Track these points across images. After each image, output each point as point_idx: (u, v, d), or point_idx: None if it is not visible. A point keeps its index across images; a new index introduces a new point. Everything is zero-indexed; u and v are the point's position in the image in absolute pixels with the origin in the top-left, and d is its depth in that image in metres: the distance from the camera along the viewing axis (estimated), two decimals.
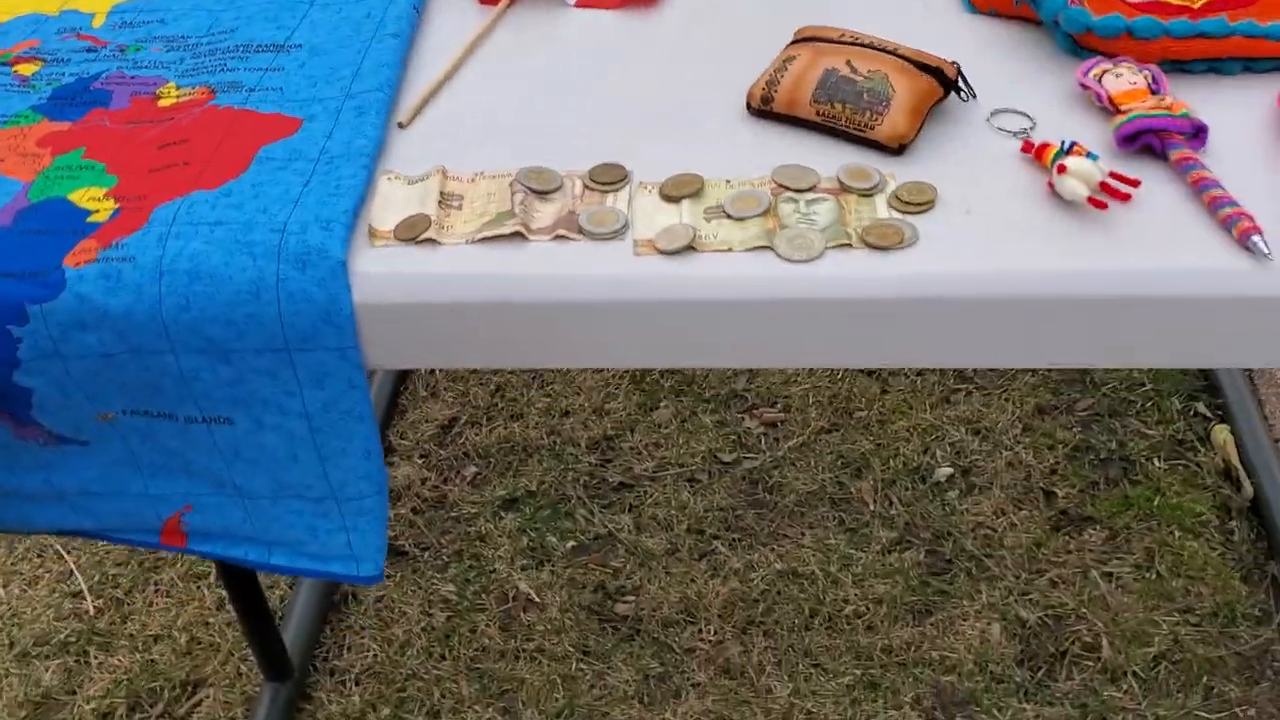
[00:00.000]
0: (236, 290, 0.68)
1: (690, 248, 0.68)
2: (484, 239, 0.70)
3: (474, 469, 1.72)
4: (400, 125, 0.80)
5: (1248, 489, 1.56)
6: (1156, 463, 1.63)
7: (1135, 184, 0.68)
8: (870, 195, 0.71)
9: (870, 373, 1.80)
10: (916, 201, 0.70)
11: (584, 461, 1.71)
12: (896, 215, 0.69)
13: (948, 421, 1.72)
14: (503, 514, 1.65)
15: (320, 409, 0.70)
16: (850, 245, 0.68)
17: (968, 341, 0.67)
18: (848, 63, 0.76)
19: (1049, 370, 1.78)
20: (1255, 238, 0.64)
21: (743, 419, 1.75)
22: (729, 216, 0.70)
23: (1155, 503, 1.57)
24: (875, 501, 1.63)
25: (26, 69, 0.88)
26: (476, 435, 1.76)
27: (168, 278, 0.68)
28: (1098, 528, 1.56)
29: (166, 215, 0.70)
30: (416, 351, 0.70)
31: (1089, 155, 0.68)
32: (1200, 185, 0.67)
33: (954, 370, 1.79)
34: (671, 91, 0.82)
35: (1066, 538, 1.56)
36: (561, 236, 0.70)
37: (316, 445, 0.71)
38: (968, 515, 1.60)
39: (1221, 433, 1.63)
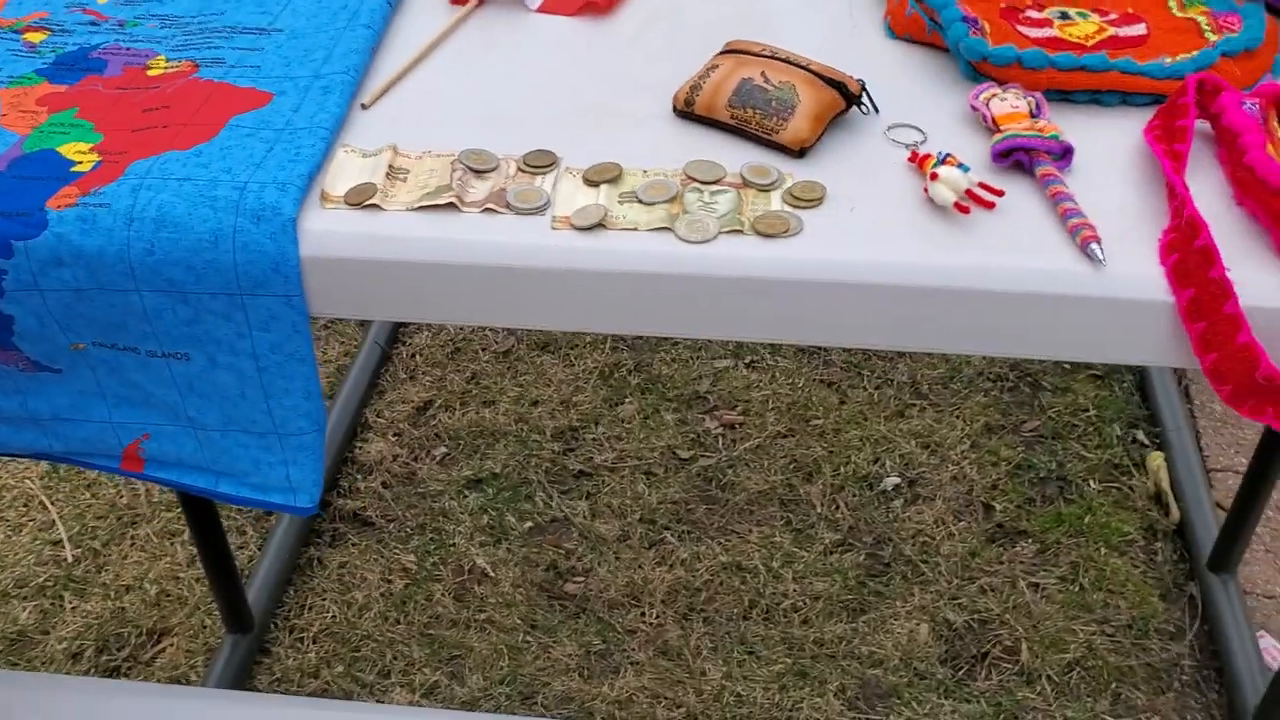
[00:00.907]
0: (198, 238, 0.76)
1: (600, 225, 0.77)
2: (422, 208, 0.79)
3: (444, 449, 1.80)
4: (363, 106, 0.88)
5: (1175, 513, 1.64)
6: (1092, 484, 1.70)
7: (1000, 194, 0.76)
8: (767, 190, 0.79)
9: (829, 383, 1.88)
10: (807, 198, 0.78)
11: (548, 449, 1.79)
12: (788, 209, 0.78)
13: (900, 434, 1.80)
14: (466, 493, 1.73)
15: (267, 350, 0.79)
16: (742, 232, 0.76)
17: (839, 322, 0.75)
18: (762, 73, 0.85)
19: (999, 390, 1.86)
20: (1094, 245, 0.72)
21: (703, 419, 1.83)
22: (639, 201, 0.79)
23: (1086, 520, 1.65)
24: (822, 504, 1.70)
25: (34, 37, 0.97)
26: (449, 418, 1.85)
27: (137, 224, 0.77)
28: (1030, 541, 1.63)
29: (141, 169, 0.79)
30: (355, 303, 0.79)
31: (961, 166, 0.76)
32: (1056, 198, 0.76)
33: (909, 385, 1.87)
34: (611, 91, 0.90)
35: (1000, 549, 1.63)
36: (490, 210, 0.79)
37: (263, 383, 0.80)
38: (909, 523, 1.67)
39: (1156, 459, 1.70)
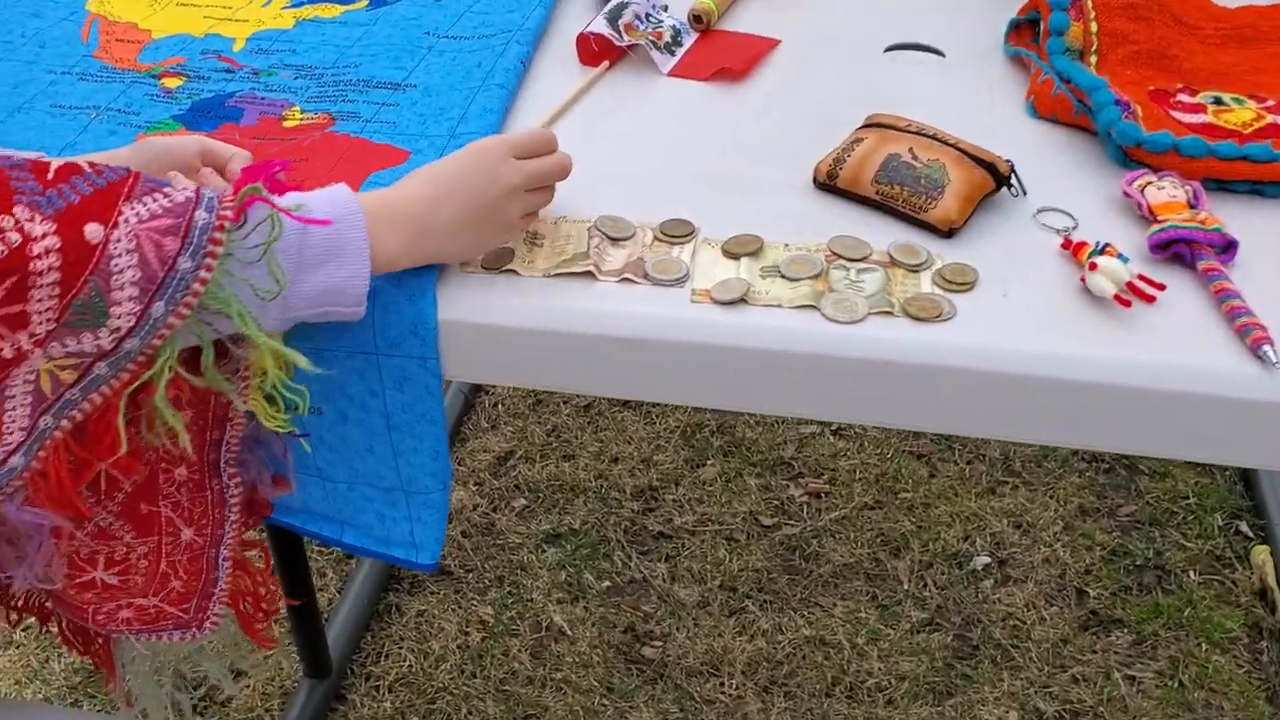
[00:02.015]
0: None
1: (743, 300, 0.75)
2: (559, 274, 0.77)
3: (523, 501, 1.79)
4: None
5: None
6: (1192, 575, 1.64)
7: (1161, 287, 0.73)
8: (917, 271, 0.77)
9: (918, 455, 1.84)
10: (958, 281, 0.76)
11: (627, 507, 1.77)
12: (939, 291, 0.75)
13: (991, 512, 1.75)
14: (545, 547, 1.71)
15: (399, 409, 0.78)
16: (892, 313, 0.74)
17: (989, 413, 0.72)
18: (910, 150, 0.83)
19: (1094, 472, 1.80)
20: (1266, 347, 0.68)
21: (787, 486, 1.80)
22: (783, 276, 0.77)
23: (1186, 614, 1.59)
24: (910, 581, 1.66)
25: (171, 82, 0.98)
26: (529, 470, 1.84)
27: None
28: (1125, 631, 1.58)
29: None
30: (487, 367, 0.78)
31: (1120, 257, 0.74)
32: (1221, 295, 0.73)
33: (1001, 462, 1.82)
34: (746, 158, 0.89)
35: (1094, 637, 1.57)
36: (628, 280, 0.77)
37: (392, 441, 0.79)
38: (999, 605, 1.62)
39: (1261, 554, 1.64)
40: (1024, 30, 1.02)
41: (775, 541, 1.71)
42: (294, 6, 1.09)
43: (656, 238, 0.81)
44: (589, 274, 0.77)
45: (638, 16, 1.02)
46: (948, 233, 0.80)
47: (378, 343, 0.76)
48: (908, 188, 0.81)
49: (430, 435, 0.78)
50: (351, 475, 0.82)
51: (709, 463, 1.84)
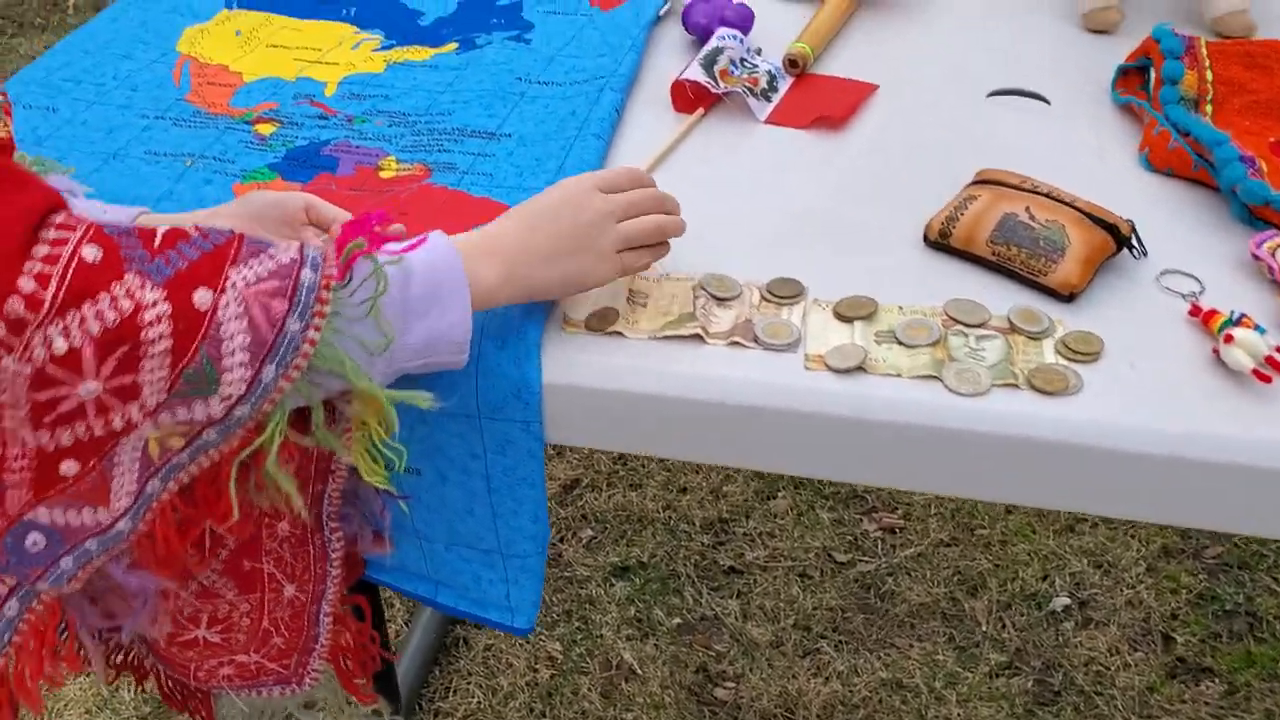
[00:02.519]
0: None
1: (860, 368, 0.72)
2: (666, 337, 0.75)
3: (590, 532, 1.77)
4: None
5: None
6: None
7: None
8: (1038, 339, 0.74)
9: None
10: (1083, 350, 0.73)
11: (697, 540, 1.74)
12: (1063, 361, 0.73)
13: (1070, 551, 1.71)
14: (613, 580, 1.69)
15: (500, 472, 0.76)
16: (1016, 385, 0.71)
17: (1120, 492, 0.69)
18: (1026, 209, 0.80)
19: None
20: None
21: (861, 520, 1.77)
22: (899, 342, 0.74)
23: None
24: (988, 622, 1.62)
25: (265, 129, 0.97)
26: (596, 499, 1.82)
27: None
28: (1216, 680, 1.53)
29: None
30: (591, 432, 0.76)
31: (1257, 328, 0.71)
32: None
33: None
34: (851, 213, 0.87)
35: (1182, 686, 1.53)
36: (737, 343, 0.75)
37: (492, 504, 0.77)
38: (1081, 649, 1.58)
39: None
40: (1132, 77, 0.99)
41: (849, 579, 1.68)
42: (384, 49, 1.08)
43: (764, 297, 0.79)
44: (697, 336, 0.75)
45: (733, 62, 1.00)
46: (1068, 297, 0.77)
47: (480, 406, 0.74)
48: (1025, 249, 0.78)
49: (530, 499, 0.77)
50: (449, 536, 0.80)
51: (780, 495, 1.81)
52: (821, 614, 1.63)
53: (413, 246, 0.68)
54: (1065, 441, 0.68)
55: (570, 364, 0.74)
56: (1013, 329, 0.75)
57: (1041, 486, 0.71)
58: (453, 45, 1.08)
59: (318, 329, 0.64)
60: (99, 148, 0.95)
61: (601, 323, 0.76)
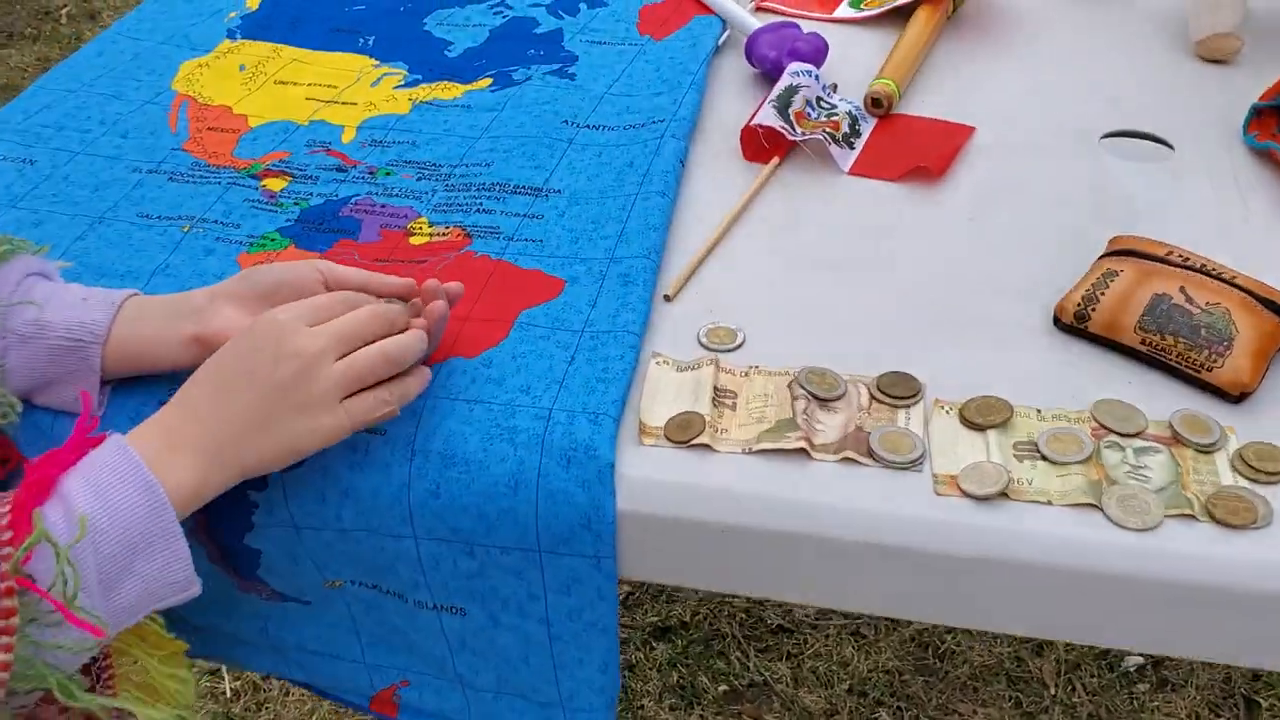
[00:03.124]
0: (493, 481, 0.62)
1: (1003, 494, 0.60)
2: (763, 450, 0.63)
3: (627, 588, 1.65)
4: (666, 298, 0.74)
5: None
6: None
7: None
8: (1209, 452, 0.62)
9: None
10: (1268, 470, 0.60)
11: (741, 597, 1.62)
12: (1243, 482, 0.60)
13: None
14: (654, 643, 1.57)
15: (563, 616, 0.64)
16: (1193, 516, 0.59)
17: None
18: (1181, 289, 0.68)
19: None
20: None
21: None
22: (1044, 458, 0.62)
23: None
24: (1057, 685, 1.50)
25: (275, 184, 0.85)
26: None
27: (419, 459, 0.63)
28: None
29: None
30: (677, 568, 0.63)
31: None
32: None
33: None
34: (962, 288, 0.74)
35: None
36: (850, 459, 0.63)
37: (553, 652, 0.65)
38: (1158, 714, 1.46)
39: None
40: (1268, 118, 0.86)
41: (906, 637, 1.56)
42: (408, 86, 0.96)
43: (874, 397, 0.66)
44: (800, 450, 0.63)
45: (809, 103, 0.87)
46: (1238, 398, 0.65)
47: (540, 537, 0.62)
48: (1184, 340, 0.66)
49: (600, 646, 0.64)
50: (499, 683, 0.68)
51: None
52: (878, 677, 1.51)
53: (80, 448, 0.55)
54: (1253, 590, 0.56)
55: (651, 486, 0.62)
56: (1177, 439, 0.63)
57: (1216, 638, 0.58)
58: (486, 81, 0.96)
59: (7, 649, 0.50)
60: (84, 209, 0.83)
61: (685, 433, 0.64)
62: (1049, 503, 0.60)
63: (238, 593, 0.69)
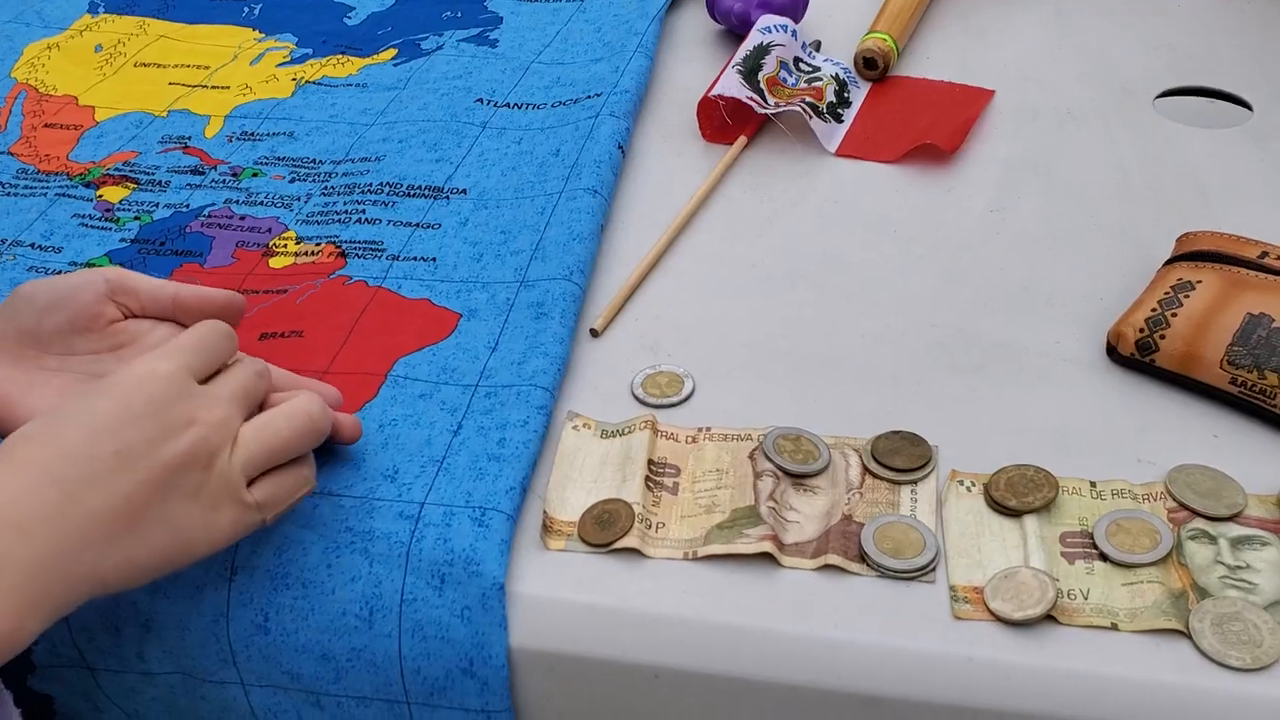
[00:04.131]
0: (340, 610, 0.45)
1: (1049, 617, 0.42)
2: (713, 555, 0.46)
3: None
4: (593, 332, 0.56)
5: None
6: None
7: None
8: None
9: None
10: None
11: None
12: None
13: None
14: None
15: None
16: None
17: None
18: None
19: None
20: None
21: None
22: (1103, 557, 0.44)
23: None
24: None
25: (114, 193, 0.67)
26: None
27: (241, 578, 0.46)
28: None
29: None
30: None
31: None
32: None
33: None
34: (983, 308, 0.56)
35: None
36: (832, 567, 0.45)
37: None
38: None
39: None
40: None
41: None
42: (294, 63, 0.78)
43: (868, 470, 0.49)
44: (768, 556, 0.45)
45: (785, 66, 0.69)
46: None
47: (408, 685, 0.45)
48: None
49: None
50: None
51: None
52: None
53: None
54: None
55: (555, 611, 0.45)
56: None
57: None
58: (390, 53, 0.78)
59: None
60: None
61: (605, 531, 0.47)
62: (1113, 627, 0.42)
63: None
